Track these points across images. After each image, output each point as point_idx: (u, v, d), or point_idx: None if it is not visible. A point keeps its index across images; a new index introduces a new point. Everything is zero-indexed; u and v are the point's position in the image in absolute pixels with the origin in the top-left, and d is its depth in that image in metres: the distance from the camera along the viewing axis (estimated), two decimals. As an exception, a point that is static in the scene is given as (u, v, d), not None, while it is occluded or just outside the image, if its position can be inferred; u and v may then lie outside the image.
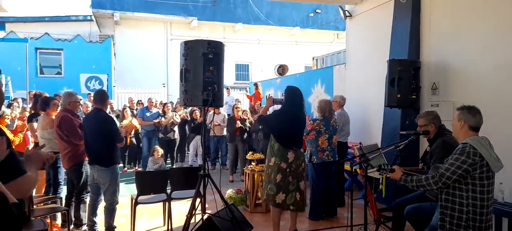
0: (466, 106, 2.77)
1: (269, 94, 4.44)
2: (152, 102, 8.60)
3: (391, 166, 3.03)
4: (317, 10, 17.61)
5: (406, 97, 4.97)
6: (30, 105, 6.90)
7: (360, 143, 4.07)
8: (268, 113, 4.32)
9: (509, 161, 3.05)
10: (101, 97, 4.14)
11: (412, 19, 5.39)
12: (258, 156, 5.70)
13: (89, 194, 4.33)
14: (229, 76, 16.35)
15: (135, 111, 8.90)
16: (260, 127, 7.13)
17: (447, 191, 2.67)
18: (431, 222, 3.04)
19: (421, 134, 3.64)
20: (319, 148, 4.80)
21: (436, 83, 5.13)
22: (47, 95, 5.59)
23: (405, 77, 4.97)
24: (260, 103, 8.84)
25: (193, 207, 3.58)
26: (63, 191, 4.72)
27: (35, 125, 5.10)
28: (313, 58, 11.84)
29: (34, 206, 4.04)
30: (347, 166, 5.88)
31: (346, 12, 7.25)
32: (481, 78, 4.48)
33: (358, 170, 5.14)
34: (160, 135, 8.33)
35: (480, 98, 4.29)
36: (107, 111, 4.75)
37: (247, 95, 9.78)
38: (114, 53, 15.00)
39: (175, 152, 8.81)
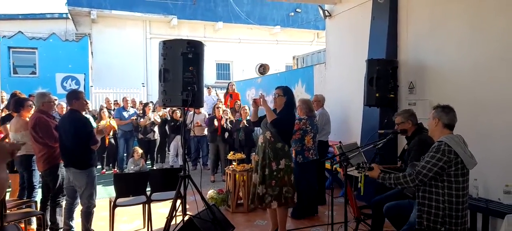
0: (440, 105, 2.85)
1: (261, 93, 4.29)
2: (127, 102, 8.44)
3: (370, 164, 3.08)
4: (297, 10, 17.73)
5: (385, 96, 5.06)
6: (2, 106, 6.67)
7: (340, 142, 4.11)
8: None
9: (483, 158, 3.15)
10: (71, 98, 4.00)
11: (390, 19, 5.49)
12: (239, 156, 5.68)
13: (65, 197, 4.21)
14: (210, 76, 16.27)
15: (112, 112, 8.72)
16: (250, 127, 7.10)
17: (424, 189, 2.73)
18: (409, 218, 3.10)
19: (399, 132, 3.72)
20: (305, 146, 4.82)
21: (413, 82, 5.25)
22: (24, 95, 5.41)
23: (383, 77, 5.06)
24: (240, 104, 8.81)
25: (173, 209, 3.53)
26: (38, 195, 4.58)
27: (8, 127, 4.93)
28: (293, 57, 11.92)
29: (8, 211, 3.89)
30: (327, 165, 5.94)
31: (326, 11, 7.32)
32: (457, 77, 4.60)
33: (338, 168, 5.19)
34: (140, 136, 8.20)
35: (456, 96, 4.42)
36: (84, 113, 4.62)
37: (226, 97, 9.64)
38: (91, 52, 14.66)
39: (155, 152, 8.69)
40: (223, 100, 9.41)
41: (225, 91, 10.26)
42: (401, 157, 3.87)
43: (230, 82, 10.25)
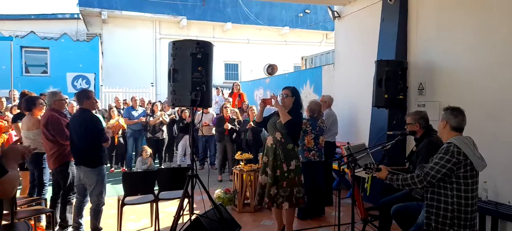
0: (450, 107, 2.83)
1: (273, 94, 4.19)
2: (136, 101, 8.51)
3: (378, 165, 3.06)
4: (306, 10, 17.69)
5: (394, 98, 5.01)
6: (13, 104, 6.77)
7: (348, 143, 4.09)
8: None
9: (493, 160, 3.11)
10: (80, 97, 4.05)
11: (400, 20, 5.45)
12: (246, 156, 5.69)
13: (75, 195, 4.26)
14: (218, 76, 16.32)
15: (121, 111, 8.81)
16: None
17: (433, 190, 2.71)
18: (417, 220, 3.07)
19: (408, 134, 3.69)
20: (305, 147, 4.81)
21: (422, 83, 5.20)
22: (34, 94, 5.49)
23: (392, 78, 5.01)
24: (248, 104, 8.82)
25: (180, 208, 3.55)
26: (48, 192, 4.64)
27: (20, 125, 5.01)
28: (302, 58, 11.90)
29: (18, 208, 3.96)
30: (335, 166, 5.92)
31: (335, 12, 7.30)
32: (466, 80, 4.55)
33: (346, 169, 5.17)
34: (148, 135, 8.26)
35: (466, 99, 4.36)
36: (94, 111, 4.67)
37: (233, 97, 9.61)
38: (102, 52, 14.82)
39: (163, 152, 8.75)
40: (230, 100, 9.41)
41: (230, 91, 10.27)
42: (409, 158, 3.84)
43: (235, 82, 10.26)
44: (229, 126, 7.36)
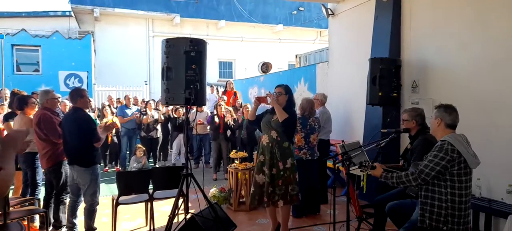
0: (443, 105, 2.84)
1: (268, 92, 4.14)
2: (130, 100, 8.46)
3: (372, 163, 3.08)
4: (300, 8, 17.70)
5: (388, 95, 5.04)
6: (6, 103, 6.68)
7: (343, 141, 4.09)
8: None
9: (486, 157, 3.14)
10: (73, 95, 4.02)
11: (393, 18, 5.47)
12: (241, 154, 5.68)
13: (68, 195, 4.23)
14: (212, 74, 16.27)
15: (114, 109, 8.74)
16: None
17: (427, 188, 2.73)
18: (411, 217, 3.09)
19: (402, 131, 3.71)
20: (295, 145, 4.80)
21: (416, 81, 5.23)
22: (24, 92, 5.43)
23: (386, 76, 5.04)
24: (241, 102, 8.80)
25: (175, 207, 3.54)
26: (41, 192, 4.59)
27: (12, 124, 4.95)
28: (296, 56, 11.89)
29: (11, 208, 3.91)
30: (329, 163, 5.93)
31: (329, 10, 7.31)
32: (460, 77, 4.58)
33: (340, 167, 5.18)
34: (143, 134, 8.22)
35: (458, 96, 4.40)
36: (87, 110, 4.63)
37: (226, 94, 9.56)
38: (94, 50, 14.70)
39: (157, 150, 8.71)
40: (225, 98, 9.38)
41: (223, 89, 10.25)
42: (403, 156, 3.86)
43: (228, 80, 10.24)
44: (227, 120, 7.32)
